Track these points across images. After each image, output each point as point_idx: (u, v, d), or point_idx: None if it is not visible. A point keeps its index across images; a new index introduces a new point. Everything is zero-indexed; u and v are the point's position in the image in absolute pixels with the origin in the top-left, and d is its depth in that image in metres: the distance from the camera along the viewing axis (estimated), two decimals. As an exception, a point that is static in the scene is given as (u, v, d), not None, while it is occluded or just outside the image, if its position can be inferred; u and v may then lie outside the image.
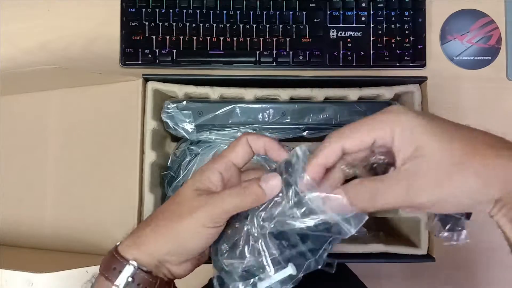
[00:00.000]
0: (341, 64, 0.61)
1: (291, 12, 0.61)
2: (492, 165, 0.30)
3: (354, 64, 0.61)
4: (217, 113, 0.50)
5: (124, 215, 0.50)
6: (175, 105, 0.50)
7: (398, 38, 0.61)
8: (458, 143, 0.31)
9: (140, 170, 0.50)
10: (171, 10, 0.61)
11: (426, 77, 0.52)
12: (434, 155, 0.30)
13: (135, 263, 0.35)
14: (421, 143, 0.30)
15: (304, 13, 0.62)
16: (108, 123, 0.52)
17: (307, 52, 0.61)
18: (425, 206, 0.31)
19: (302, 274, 0.35)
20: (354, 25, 0.62)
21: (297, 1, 0.61)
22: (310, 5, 0.61)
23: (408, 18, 0.62)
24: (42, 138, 0.53)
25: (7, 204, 0.53)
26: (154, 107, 0.51)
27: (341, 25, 0.62)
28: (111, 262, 0.36)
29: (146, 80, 0.51)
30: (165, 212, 0.36)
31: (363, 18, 0.62)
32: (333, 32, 0.62)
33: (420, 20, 0.62)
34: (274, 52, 0.61)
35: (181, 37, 0.61)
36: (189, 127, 0.50)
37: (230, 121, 0.51)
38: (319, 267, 0.35)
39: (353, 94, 0.52)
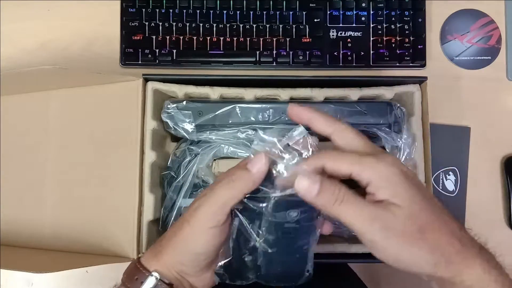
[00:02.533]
0: (341, 64, 0.61)
1: (291, 12, 0.61)
2: (448, 251, 0.32)
3: (354, 64, 0.61)
4: (217, 113, 0.50)
5: (124, 215, 0.50)
6: (175, 105, 0.50)
7: (398, 38, 0.61)
8: (427, 211, 0.32)
9: (140, 170, 0.50)
10: (171, 10, 0.61)
11: (426, 77, 0.52)
12: (406, 211, 0.32)
13: (157, 275, 0.35)
14: (398, 191, 0.32)
15: (304, 13, 0.62)
16: (108, 123, 0.52)
17: (307, 52, 0.61)
18: (378, 251, 0.33)
19: None
20: (354, 25, 0.62)
21: (297, 1, 0.61)
22: (310, 5, 0.61)
23: (408, 18, 0.62)
24: (42, 138, 0.53)
25: (7, 204, 0.53)
26: (154, 107, 0.51)
27: (341, 25, 0.62)
28: (134, 272, 0.36)
29: (146, 80, 0.51)
30: (177, 222, 0.37)
31: (363, 18, 0.62)
32: (333, 32, 0.62)
33: (420, 20, 0.62)
34: (274, 52, 0.61)
35: (181, 37, 0.61)
36: (189, 127, 0.50)
37: (230, 121, 0.51)
38: None
39: (353, 94, 0.52)
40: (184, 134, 0.51)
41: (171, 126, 0.51)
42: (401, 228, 0.31)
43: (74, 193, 0.52)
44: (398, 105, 0.52)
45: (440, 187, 0.61)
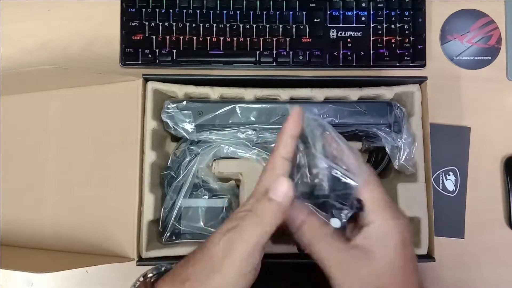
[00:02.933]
0: (341, 64, 0.61)
1: (291, 12, 0.61)
2: None
3: (354, 64, 0.61)
4: (217, 113, 0.50)
5: (124, 215, 0.50)
6: (175, 105, 0.50)
7: (398, 38, 0.61)
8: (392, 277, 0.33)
9: (140, 170, 0.50)
10: (171, 10, 0.61)
11: (426, 77, 0.52)
12: (375, 267, 0.33)
13: None
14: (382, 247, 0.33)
15: (304, 13, 0.62)
16: (108, 123, 0.52)
17: (307, 52, 0.61)
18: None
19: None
20: (354, 25, 0.62)
21: (297, 1, 0.61)
22: (310, 5, 0.61)
23: (408, 18, 0.62)
24: (42, 138, 0.53)
25: (7, 204, 0.53)
26: (154, 107, 0.51)
27: (341, 25, 0.62)
28: None
29: (146, 80, 0.51)
30: (197, 265, 0.33)
31: (363, 18, 0.62)
32: (333, 32, 0.62)
33: (420, 20, 0.62)
34: (274, 52, 0.61)
35: (181, 37, 0.61)
36: (189, 127, 0.50)
37: (230, 121, 0.51)
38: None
39: (353, 94, 0.52)
40: (184, 134, 0.51)
41: (171, 126, 0.51)
42: (363, 277, 0.33)
43: (74, 193, 0.52)
44: (398, 105, 0.52)
45: (440, 187, 0.61)
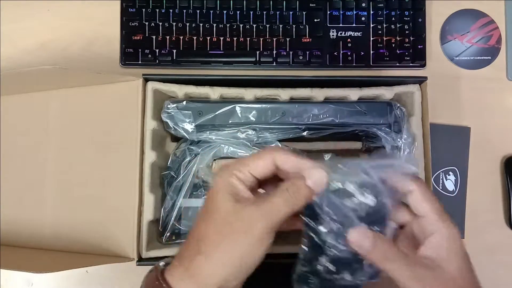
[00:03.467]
0: (341, 64, 0.61)
1: (291, 12, 0.61)
2: None
3: (354, 64, 0.61)
4: (217, 113, 0.50)
5: (124, 215, 0.50)
6: (175, 105, 0.50)
7: (398, 38, 0.61)
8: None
9: (140, 170, 0.50)
10: (171, 10, 0.61)
11: (426, 77, 0.52)
12: (448, 276, 0.35)
13: None
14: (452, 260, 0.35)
15: (304, 13, 0.62)
16: (108, 123, 0.52)
17: (307, 52, 0.61)
18: None
19: None
20: (354, 25, 0.62)
21: (297, 1, 0.61)
22: (310, 5, 0.61)
23: (408, 18, 0.62)
24: (42, 138, 0.53)
25: (7, 204, 0.53)
26: (154, 107, 0.51)
27: (341, 25, 0.62)
28: None
29: (146, 80, 0.51)
30: (213, 235, 0.33)
31: (363, 18, 0.62)
32: (333, 32, 0.62)
33: (420, 20, 0.62)
34: (274, 52, 0.61)
35: (181, 37, 0.61)
36: (189, 127, 0.50)
37: (230, 121, 0.50)
38: None
39: (353, 94, 0.52)
40: (184, 134, 0.51)
41: (171, 126, 0.51)
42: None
43: (74, 193, 0.52)
44: (398, 105, 0.52)
45: (440, 187, 0.61)
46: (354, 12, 0.62)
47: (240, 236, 0.32)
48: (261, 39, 0.61)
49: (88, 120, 0.53)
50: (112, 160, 0.52)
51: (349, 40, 0.62)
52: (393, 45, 0.61)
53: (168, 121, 0.51)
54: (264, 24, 0.61)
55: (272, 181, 0.37)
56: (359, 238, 0.34)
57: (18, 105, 0.55)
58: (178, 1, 0.61)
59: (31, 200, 0.53)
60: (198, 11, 0.61)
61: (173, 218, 0.51)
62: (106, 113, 0.53)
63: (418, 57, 0.61)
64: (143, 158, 0.51)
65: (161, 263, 0.36)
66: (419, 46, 0.61)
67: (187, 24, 0.61)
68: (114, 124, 0.52)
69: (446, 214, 0.36)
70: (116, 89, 0.52)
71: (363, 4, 0.61)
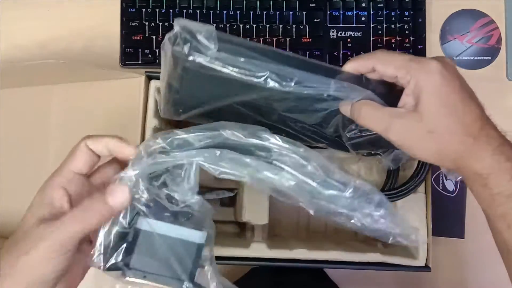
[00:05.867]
0: (341, 64, 0.61)
1: (291, 12, 0.61)
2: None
3: (354, 64, 0.61)
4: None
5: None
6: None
7: (398, 38, 0.61)
8: (445, 116, 0.36)
9: None
10: (171, 10, 0.61)
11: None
12: (420, 117, 0.36)
13: None
14: (424, 101, 0.36)
15: (304, 13, 0.62)
16: (110, 119, 0.52)
17: (307, 52, 0.61)
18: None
19: None
20: (354, 25, 0.62)
21: (297, 1, 0.61)
22: (310, 5, 0.61)
23: (408, 18, 0.62)
24: (43, 132, 0.53)
25: (7, 198, 0.53)
26: (156, 106, 0.51)
27: (341, 25, 0.62)
28: None
29: (148, 78, 0.51)
30: (12, 250, 0.32)
31: (363, 18, 0.62)
32: (333, 32, 0.62)
33: (420, 20, 0.62)
34: (274, 52, 0.61)
35: (181, 37, 0.61)
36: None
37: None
38: None
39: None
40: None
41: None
42: (413, 130, 0.36)
43: None
44: None
45: (440, 187, 0.61)
46: (354, 12, 0.62)
47: (28, 253, 0.31)
48: (261, 39, 0.61)
49: (90, 116, 0.53)
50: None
51: (349, 40, 0.62)
52: (393, 45, 0.61)
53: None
54: (264, 24, 0.61)
55: None
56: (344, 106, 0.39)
57: (20, 99, 0.55)
58: (178, 1, 0.61)
59: (32, 194, 0.53)
60: (198, 11, 0.61)
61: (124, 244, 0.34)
62: (108, 109, 0.53)
63: (418, 57, 0.61)
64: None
65: None
66: (419, 46, 0.61)
67: (187, 24, 0.61)
68: (115, 120, 0.52)
69: (413, 60, 0.37)
70: (118, 85, 0.52)
71: (363, 4, 0.61)
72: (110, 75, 0.52)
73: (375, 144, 0.44)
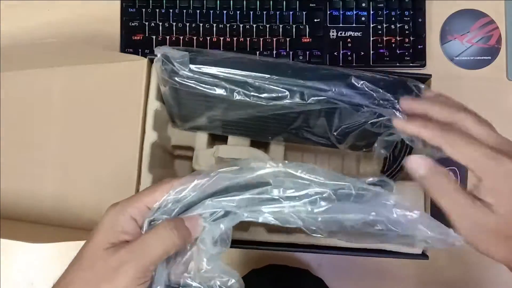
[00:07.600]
0: (341, 64, 0.61)
1: (291, 12, 0.61)
2: None
3: (354, 64, 0.61)
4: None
5: (122, 194, 0.50)
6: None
7: (398, 38, 0.62)
8: None
9: (140, 150, 0.50)
10: (171, 10, 0.61)
11: (430, 75, 0.51)
12: (501, 219, 0.34)
13: None
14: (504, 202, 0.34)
15: (304, 13, 0.62)
16: (112, 102, 0.52)
17: (307, 52, 0.61)
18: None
19: None
20: (354, 25, 0.62)
21: (297, 1, 0.61)
22: (310, 5, 0.61)
23: (408, 18, 0.62)
24: (45, 115, 0.53)
25: (8, 181, 0.53)
26: (158, 88, 0.51)
27: (341, 25, 0.62)
28: None
29: (151, 61, 0.51)
30: (78, 282, 0.31)
31: (363, 18, 0.62)
32: (333, 32, 0.62)
33: (420, 20, 0.62)
34: (274, 52, 0.61)
35: (181, 37, 0.61)
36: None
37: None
38: None
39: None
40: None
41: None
42: (488, 231, 0.35)
43: (75, 170, 0.52)
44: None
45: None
46: (354, 12, 0.62)
47: (104, 285, 0.30)
48: (261, 39, 0.61)
49: (92, 98, 0.53)
50: (114, 139, 0.51)
51: (349, 40, 0.62)
52: (393, 45, 0.61)
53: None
54: (264, 24, 0.61)
55: None
56: (416, 163, 0.36)
57: (21, 81, 0.54)
58: (178, 1, 0.61)
59: (32, 176, 0.52)
60: (198, 11, 0.61)
61: None
62: (110, 92, 0.52)
63: (418, 57, 0.61)
64: (144, 137, 0.50)
65: None
66: (419, 46, 0.61)
67: (187, 24, 0.61)
68: (117, 103, 0.52)
69: (492, 152, 0.35)
70: (120, 68, 0.52)
71: (363, 4, 0.61)
72: (111, 58, 0.52)
73: (360, 140, 0.45)
